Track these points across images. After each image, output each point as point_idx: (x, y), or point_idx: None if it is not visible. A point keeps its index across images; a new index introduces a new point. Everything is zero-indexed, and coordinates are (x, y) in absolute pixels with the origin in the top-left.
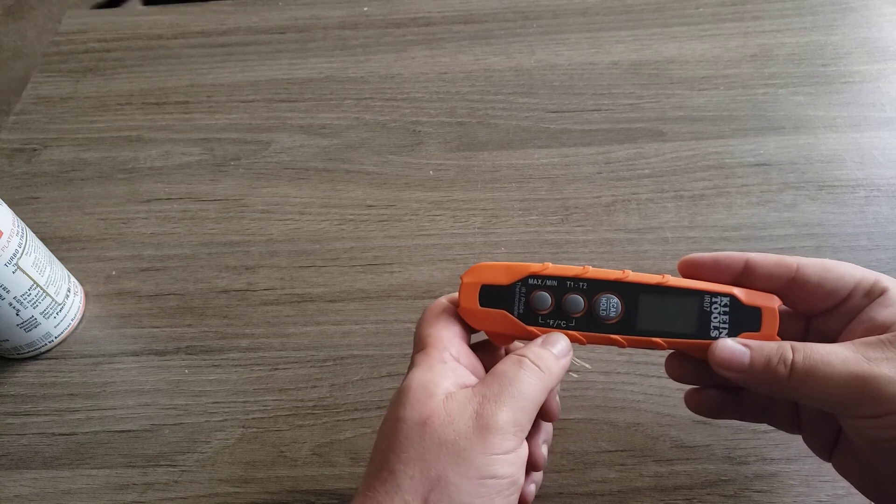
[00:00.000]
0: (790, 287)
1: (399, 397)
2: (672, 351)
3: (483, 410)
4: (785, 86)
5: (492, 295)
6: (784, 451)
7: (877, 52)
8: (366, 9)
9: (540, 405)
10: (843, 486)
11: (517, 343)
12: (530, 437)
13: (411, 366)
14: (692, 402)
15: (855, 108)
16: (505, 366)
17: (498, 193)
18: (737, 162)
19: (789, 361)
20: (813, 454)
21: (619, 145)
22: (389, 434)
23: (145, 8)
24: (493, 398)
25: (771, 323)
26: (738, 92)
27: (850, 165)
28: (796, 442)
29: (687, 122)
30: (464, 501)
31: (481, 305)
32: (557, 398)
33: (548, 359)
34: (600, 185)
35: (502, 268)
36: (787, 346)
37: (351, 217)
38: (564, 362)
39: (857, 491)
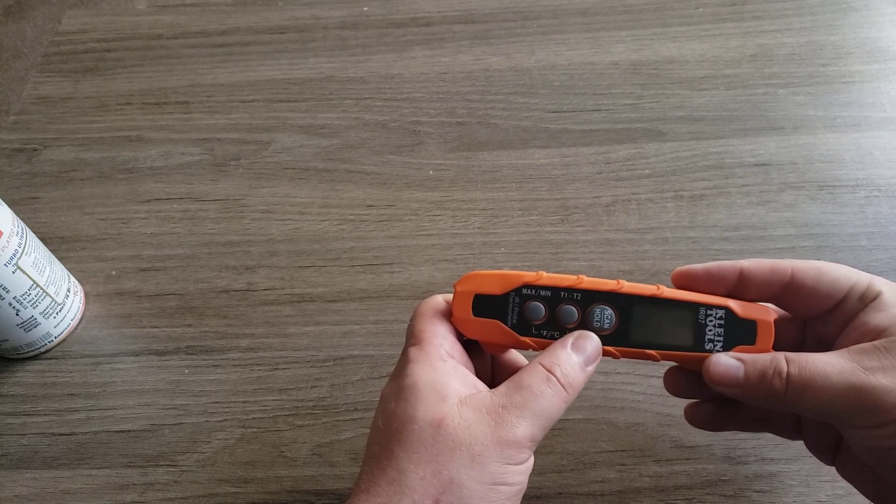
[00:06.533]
0: (785, 292)
1: (405, 395)
2: (669, 366)
3: (503, 420)
4: (785, 86)
5: (485, 304)
6: (784, 451)
7: (877, 52)
8: (366, 9)
9: (557, 420)
10: (843, 486)
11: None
12: None
13: (407, 360)
14: (693, 417)
15: (855, 108)
16: (532, 379)
17: (498, 193)
18: (737, 162)
19: (784, 374)
20: (813, 455)
21: (619, 145)
22: (399, 433)
23: (145, 8)
24: (515, 410)
25: (766, 336)
26: (738, 92)
27: (850, 165)
28: (796, 442)
29: (687, 122)
30: None
31: (474, 315)
32: None
33: (575, 374)
34: (600, 185)
35: (496, 277)
36: (781, 358)
37: (351, 217)
38: (591, 369)
39: (857, 491)
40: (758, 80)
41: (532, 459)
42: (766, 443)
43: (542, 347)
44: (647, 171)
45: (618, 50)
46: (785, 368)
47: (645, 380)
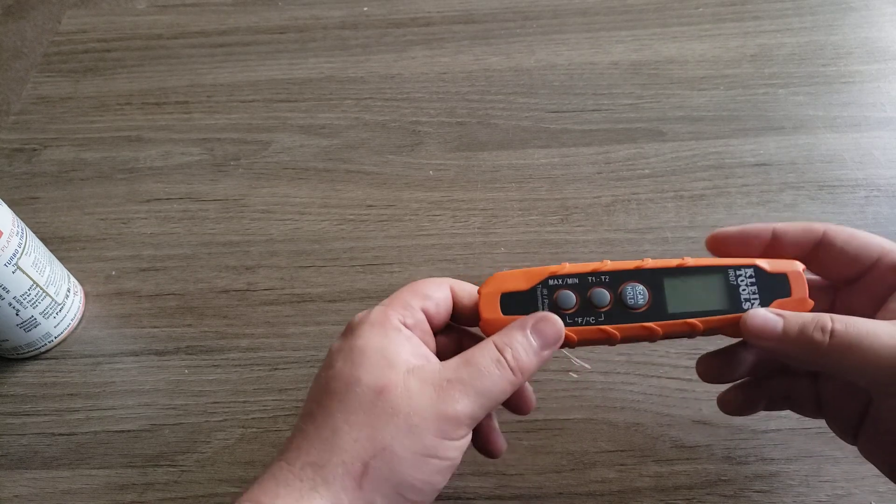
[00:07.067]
0: (815, 251)
1: (353, 356)
2: (702, 355)
3: (446, 394)
4: (785, 86)
5: (513, 302)
6: (784, 451)
7: (877, 52)
8: (366, 9)
9: (501, 402)
10: (843, 486)
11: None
12: (487, 425)
13: (365, 319)
14: (724, 403)
15: (855, 108)
16: (483, 358)
17: (498, 193)
18: (737, 162)
19: (828, 328)
20: (813, 454)
21: (619, 145)
22: (340, 393)
23: (145, 8)
24: (460, 386)
25: (800, 286)
26: (738, 92)
27: (850, 165)
28: (796, 442)
29: (687, 122)
30: (404, 473)
31: (504, 314)
32: (532, 393)
33: (527, 358)
34: (600, 185)
35: (520, 274)
36: (824, 315)
37: (351, 217)
38: (548, 354)
39: (857, 491)
40: (758, 80)
41: (469, 437)
42: (766, 443)
43: (582, 336)
44: (647, 171)
45: (618, 50)
46: (829, 324)
47: (644, 380)
